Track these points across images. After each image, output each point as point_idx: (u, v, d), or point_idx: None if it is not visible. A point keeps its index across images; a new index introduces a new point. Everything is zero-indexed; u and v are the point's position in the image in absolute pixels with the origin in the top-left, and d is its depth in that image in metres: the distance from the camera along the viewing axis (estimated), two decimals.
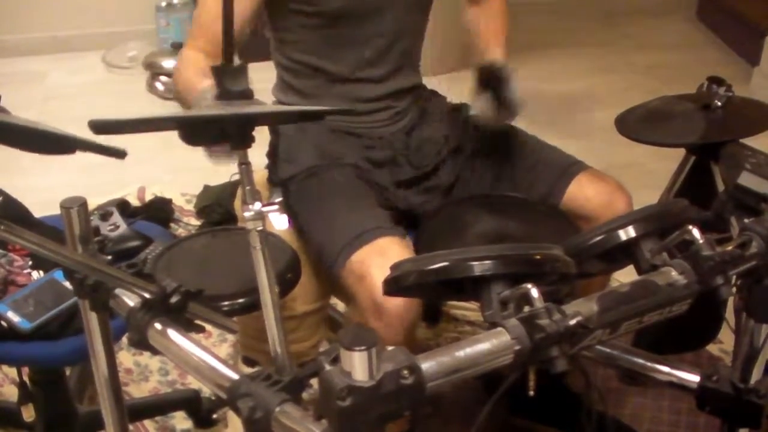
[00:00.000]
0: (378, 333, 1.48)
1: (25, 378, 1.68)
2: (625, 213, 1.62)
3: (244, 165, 1.09)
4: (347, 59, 1.72)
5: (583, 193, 1.69)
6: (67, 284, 1.16)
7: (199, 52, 1.61)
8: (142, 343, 1.02)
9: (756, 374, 1.22)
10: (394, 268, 1.09)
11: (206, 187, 2.86)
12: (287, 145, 1.76)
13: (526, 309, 0.90)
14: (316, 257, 1.63)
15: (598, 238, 1.10)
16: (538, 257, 1.02)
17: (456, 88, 1.92)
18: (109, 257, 1.14)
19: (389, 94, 1.77)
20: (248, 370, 1.63)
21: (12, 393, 1.87)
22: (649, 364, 1.27)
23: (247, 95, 1.14)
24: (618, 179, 1.74)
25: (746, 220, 1.09)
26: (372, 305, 1.46)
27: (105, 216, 1.71)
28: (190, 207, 2.83)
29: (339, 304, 2.10)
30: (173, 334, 1.00)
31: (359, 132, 1.76)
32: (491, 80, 1.67)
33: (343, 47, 1.71)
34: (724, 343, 2.17)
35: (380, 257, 1.48)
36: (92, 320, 1.18)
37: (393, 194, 1.74)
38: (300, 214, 1.66)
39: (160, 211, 2.74)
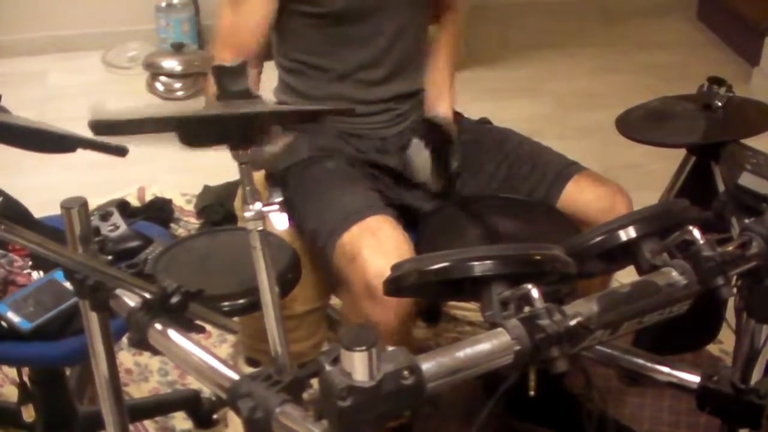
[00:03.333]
0: (372, 317, 1.48)
1: (25, 378, 1.68)
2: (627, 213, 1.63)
3: (244, 165, 1.09)
4: (348, 59, 1.72)
5: (583, 197, 1.69)
6: (67, 284, 1.16)
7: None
8: (142, 344, 1.02)
9: (756, 375, 1.22)
10: (394, 268, 1.09)
11: (206, 187, 2.86)
12: None
13: (527, 309, 0.90)
14: (311, 243, 1.63)
15: (599, 238, 1.10)
16: (538, 257, 1.02)
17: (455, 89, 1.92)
18: (110, 257, 1.14)
19: (391, 97, 1.77)
20: (251, 370, 1.63)
21: (12, 393, 1.87)
22: (649, 364, 1.27)
23: (247, 95, 1.14)
24: (618, 180, 1.74)
25: (747, 221, 1.09)
26: (364, 287, 1.46)
27: (105, 216, 1.71)
28: (190, 207, 2.83)
29: (339, 304, 2.10)
30: (173, 334, 1.00)
31: (360, 133, 1.76)
32: (434, 139, 1.70)
33: (344, 47, 1.71)
34: (724, 344, 2.16)
35: (371, 237, 1.49)
36: (92, 320, 1.18)
37: (392, 194, 1.74)
38: (296, 204, 1.67)
39: (160, 211, 2.74)
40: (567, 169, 1.73)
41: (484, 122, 1.88)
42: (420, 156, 1.72)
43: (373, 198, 1.62)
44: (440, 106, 1.77)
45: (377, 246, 1.47)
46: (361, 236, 1.50)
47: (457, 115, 1.86)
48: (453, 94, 1.81)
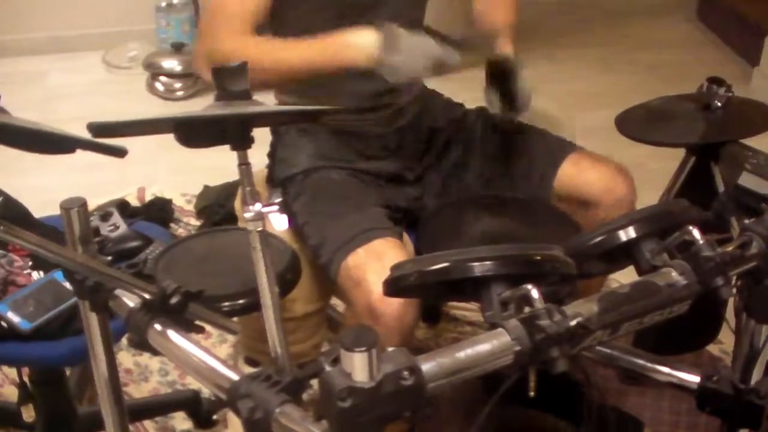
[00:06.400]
0: None
1: (25, 378, 1.68)
2: (627, 197, 1.63)
3: (244, 165, 1.09)
4: None
5: (583, 177, 1.69)
6: (67, 285, 1.16)
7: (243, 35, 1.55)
8: (142, 344, 1.02)
9: (756, 375, 1.22)
10: (394, 268, 1.09)
11: (206, 188, 2.86)
12: (287, 145, 1.76)
13: (527, 310, 0.89)
14: (312, 257, 1.62)
15: (599, 238, 1.10)
16: (538, 258, 1.02)
17: (452, 87, 1.92)
18: (109, 258, 1.14)
19: (388, 90, 1.76)
20: (251, 370, 1.63)
21: (12, 393, 1.87)
22: (649, 364, 1.27)
23: (246, 95, 1.14)
24: None
25: (746, 221, 1.09)
26: (368, 311, 1.46)
27: (105, 216, 1.71)
28: (190, 207, 2.83)
29: (339, 304, 2.10)
30: (173, 334, 0.99)
31: (359, 131, 1.76)
32: (500, 74, 1.65)
33: None
34: (724, 344, 2.17)
35: (376, 261, 1.47)
36: (92, 321, 1.18)
37: (392, 193, 1.74)
38: (297, 214, 1.66)
39: (160, 211, 2.74)
40: (563, 147, 1.73)
41: (483, 109, 1.88)
42: (489, 94, 1.68)
43: (378, 216, 1.60)
44: (503, 47, 1.73)
45: (382, 270, 1.45)
46: (367, 260, 1.49)
47: (459, 106, 1.86)
48: (512, 38, 1.77)
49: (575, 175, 1.69)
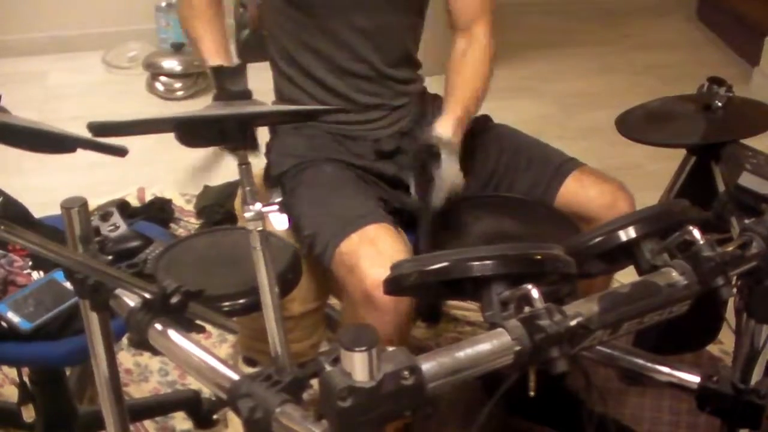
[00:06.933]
0: (370, 324, 1.48)
1: (25, 378, 1.68)
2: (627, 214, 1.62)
3: (244, 165, 1.09)
4: (335, 55, 1.71)
5: (585, 193, 1.69)
6: (67, 284, 1.16)
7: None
8: (142, 344, 1.02)
9: (756, 375, 1.22)
10: (394, 267, 1.09)
11: (206, 187, 2.86)
12: (281, 144, 1.76)
13: (527, 309, 0.90)
14: (308, 249, 1.62)
15: (599, 238, 1.10)
16: (538, 257, 1.02)
17: None
18: (110, 257, 1.14)
19: (385, 92, 1.76)
20: (249, 370, 1.63)
21: (12, 393, 1.87)
22: (649, 364, 1.28)
23: (246, 95, 1.14)
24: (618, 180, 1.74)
25: (747, 221, 1.10)
26: (363, 297, 1.46)
27: (105, 216, 1.71)
28: (190, 207, 2.83)
29: (337, 304, 2.10)
30: (173, 334, 1.00)
31: (355, 135, 1.76)
32: (425, 159, 1.61)
33: (328, 42, 1.70)
34: (724, 344, 2.17)
35: (369, 246, 1.48)
36: (92, 320, 1.18)
37: (389, 194, 1.74)
38: (293, 208, 1.66)
39: (160, 211, 2.74)
40: (566, 164, 1.73)
41: (485, 120, 1.88)
42: (410, 180, 1.65)
43: (371, 204, 1.61)
44: (442, 124, 1.66)
45: (376, 255, 1.46)
46: (360, 245, 1.49)
47: None
48: (461, 115, 1.68)
49: (578, 191, 1.69)
